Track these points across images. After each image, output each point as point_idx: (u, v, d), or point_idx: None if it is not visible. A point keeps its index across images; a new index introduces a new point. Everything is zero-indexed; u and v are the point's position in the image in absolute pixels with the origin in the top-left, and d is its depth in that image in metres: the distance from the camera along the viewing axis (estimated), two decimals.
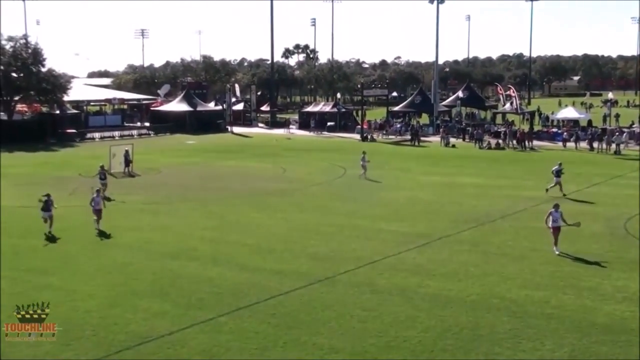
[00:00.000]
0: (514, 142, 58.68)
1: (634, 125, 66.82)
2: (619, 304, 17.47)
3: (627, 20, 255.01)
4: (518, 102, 73.25)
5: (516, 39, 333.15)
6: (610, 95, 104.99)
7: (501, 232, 25.77)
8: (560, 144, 58.85)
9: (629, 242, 24.23)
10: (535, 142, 59.27)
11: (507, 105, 73.20)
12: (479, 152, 56.25)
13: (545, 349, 14.72)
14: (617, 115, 77.35)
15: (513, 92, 74.93)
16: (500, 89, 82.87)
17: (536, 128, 66.85)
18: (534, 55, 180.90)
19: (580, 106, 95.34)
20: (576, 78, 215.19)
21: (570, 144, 57.46)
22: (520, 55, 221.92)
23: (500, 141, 59.13)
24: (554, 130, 65.70)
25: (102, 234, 25.29)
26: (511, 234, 25.37)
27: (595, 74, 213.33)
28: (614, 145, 53.76)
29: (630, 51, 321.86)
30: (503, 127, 65.87)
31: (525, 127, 64.29)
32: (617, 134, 56.54)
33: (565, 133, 61.03)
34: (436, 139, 63.80)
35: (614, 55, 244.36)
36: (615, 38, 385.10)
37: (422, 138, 63.79)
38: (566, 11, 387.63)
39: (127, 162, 42.36)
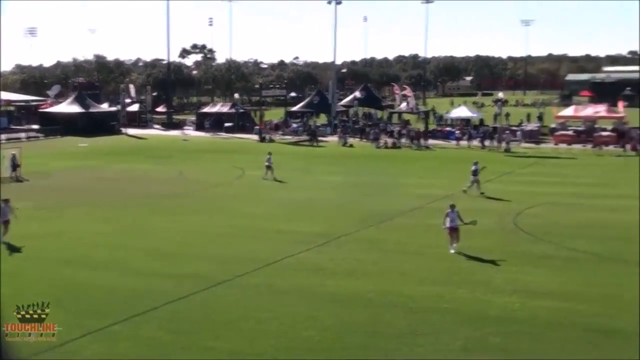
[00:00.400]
0: (410, 141, 59.95)
1: (522, 124, 69.53)
2: (510, 296, 18.05)
3: (517, 23, 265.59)
4: (414, 101, 74.85)
5: (412, 40, 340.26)
6: (500, 94, 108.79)
7: (399, 230, 26.21)
8: (454, 142, 60.59)
9: (519, 236, 25.15)
10: (430, 141, 60.78)
11: (403, 104, 74.63)
12: (376, 151, 57.16)
13: (440, 342, 15.04)
14: (507, 114, 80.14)
15: (409, 92, 76.49)
16: (397, 89, 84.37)
17: (431, 127, 68.45)
18: (428, 56, 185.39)
19: (473, 105, 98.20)
20: (469, 78, 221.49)
21: (463, 142, 59.27)
22: (415, 56, 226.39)
23: (396, 140, 60.27)
24: (448, 129, 67.50)
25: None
26: (408, 232, 25.84)
27: (487, 75, 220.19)
28: (504, 143, 55.72)
29: (519, 52, 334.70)
30: (398, 126, 67.23)
31: (421, 126, 65.74)
32: (507, 132, 58.70)
33: (458, 132, 62.86)
34: (334, 139, 64.45)
35: (504, 57, 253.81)
36: (506, 40, 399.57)
37: (320, 138, 64.25)
38: (460, 13, 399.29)
39: (15, 166, 40.54)
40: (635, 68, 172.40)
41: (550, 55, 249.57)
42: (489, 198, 32.72)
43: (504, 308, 17.16)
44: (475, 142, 58.37)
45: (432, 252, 22.49)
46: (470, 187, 33.79)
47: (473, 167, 34.19)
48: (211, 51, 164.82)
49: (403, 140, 60.58)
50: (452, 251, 22.18)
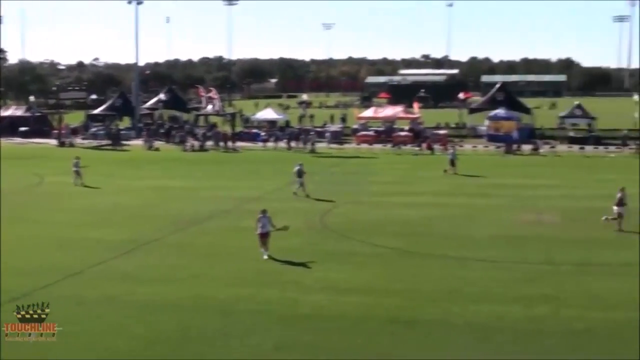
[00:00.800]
0: (218, 143, 59.84)
1: (326, 125, 71.69)
2: (319, 294, 18.54)
3: (319, 26, 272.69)
4: (220, 104, 74.74)
5: (216, 41, 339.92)
6: (304, 96, 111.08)
7: (209, 233, 26.09)
8: (261, 144, 61.24)
9: (326, 234, 25.90)
10: (238, 143, 60.96)
11: (209, 107, 74.24)
12: (184, 154, 56.50)
13: (252, 343, 15.15)
14: (312, 116, 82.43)
15: (214, 94, 76.18)
16: (202, 91, 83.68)
17: (238, 129, 68.72)
18: (233, 58, 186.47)
19: (278, 107, 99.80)
20: (274, 80, 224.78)
21: (270, 144, 60.06)
22: (220, 58, 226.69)
23: (203, 143, 59.91)
24: (255, 131, 68.09)
25: None
26: (219, 234, 25.80)
27: (291, 77, 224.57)
28: (309, 144, 57.16)
29: (321, 55, 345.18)
30: (204, 129, 66.91)
31: (228, 129, 65.80)
32: (312, 133, 60.30)
33: (264, 133, 63.65)
34: (139, 142, 62.87)
35: (307, 59, 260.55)
36: (308, 43, 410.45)
37: (125, 142, 62.51)
38: (263, 15, 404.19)
39: None
40: (429, 71, 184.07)
41: (350, 58, 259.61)
42: (297, 198, 33.34)
43: (313, 306, 17.60)
44: (282, 144, 59.41)
45: (243, 254, 22.56)
46: (300, 188, 34.06)
47: (296, 168, 34.45)
48: (2, 51, 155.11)
49: (210, 142, 60.37)
50: (265, 257, 22.02)
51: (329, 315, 16.88)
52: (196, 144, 59.74)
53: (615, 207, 25.85)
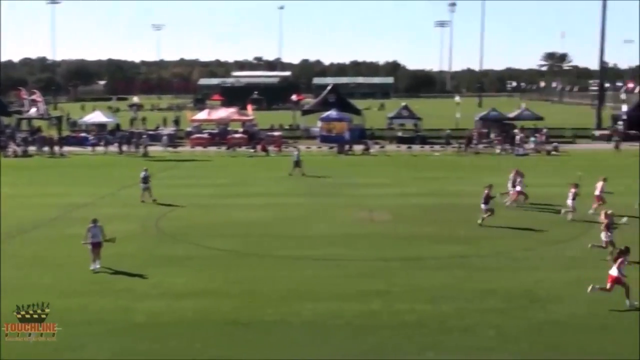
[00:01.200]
0: (42, 148, 57.07)
1: (159, 128, 70.31)
2: (155, 300, 18.15)
3: (148, 27, 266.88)
4: (44, 107, 71.32)
5: (39, 41, 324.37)
6: (135, 99, 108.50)
7: (35, 242, 24.83)
8: (90, 148, 59.01)
9: (161, 239, 25.40)
10: (65, 148, 58.34)
11: (33, 110, 70.64)
12: (5, 160, 53.23)
13: (86, 356, 14.64)
14: (144, 119, 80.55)
15: (38, 96, 72.55)
16: (24, 94, 79.43)
17: (64, 133, 65.80)
18: (58, 59, 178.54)
19: (108, 110, 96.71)
20: (102, 82, 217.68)
21: (100, 148, 58.03)
22: (43, 59, 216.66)
23: (26, 148, 56.88)
24: (83, 134, 65.47)
25: None
26: (46, 243, 24.62)
27: (121, 78, 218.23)
28: (141, 148, 55.80)
29: (151, 57, 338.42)
30: (26, 133, 63.63)
31: (54, 133, 62.87)
32: (144, 136, 58.92)
33: (93, 137, 61.42)
34: None
35: (137, 61, 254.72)
36: (138, 44, 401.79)
37: None
38: (88, 15, 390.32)
39: None
40: (261, 73, 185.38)
41: (182, 59, 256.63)
42: (133, 204, 32.45)
43: (149, 313, 17.18)
44: (113, 148, 57.58)
45: (73, 264, 21.63)
46: (144, 194, 32.88)
47: (143, 174, 33.28)
48: None
49: (33, 147, 57.40)
50: (97, 266, 21.06)
51: (166, 322, 16.56)
52: (19, 149, 56.55)
53: (483, 205, 27.04)
